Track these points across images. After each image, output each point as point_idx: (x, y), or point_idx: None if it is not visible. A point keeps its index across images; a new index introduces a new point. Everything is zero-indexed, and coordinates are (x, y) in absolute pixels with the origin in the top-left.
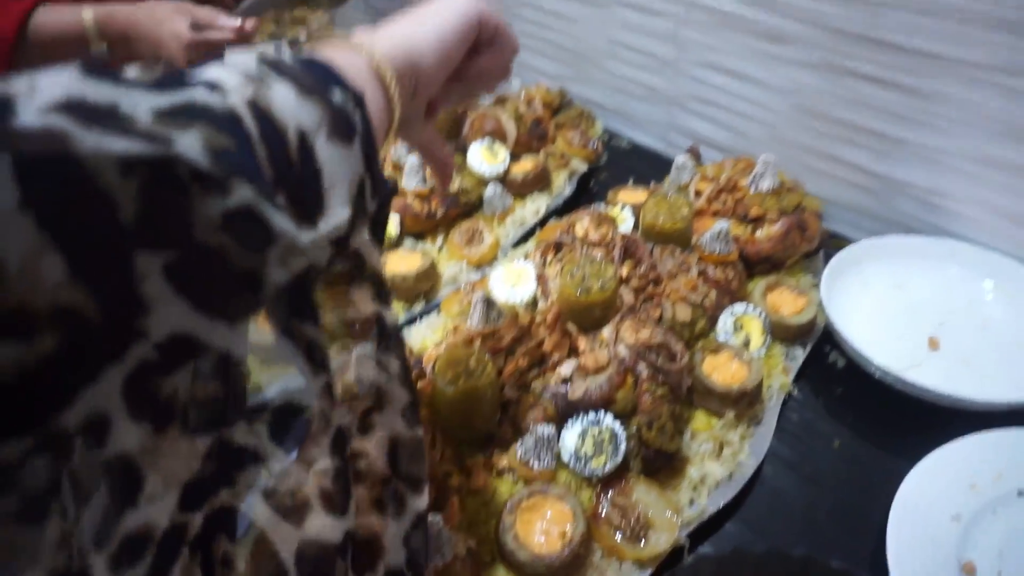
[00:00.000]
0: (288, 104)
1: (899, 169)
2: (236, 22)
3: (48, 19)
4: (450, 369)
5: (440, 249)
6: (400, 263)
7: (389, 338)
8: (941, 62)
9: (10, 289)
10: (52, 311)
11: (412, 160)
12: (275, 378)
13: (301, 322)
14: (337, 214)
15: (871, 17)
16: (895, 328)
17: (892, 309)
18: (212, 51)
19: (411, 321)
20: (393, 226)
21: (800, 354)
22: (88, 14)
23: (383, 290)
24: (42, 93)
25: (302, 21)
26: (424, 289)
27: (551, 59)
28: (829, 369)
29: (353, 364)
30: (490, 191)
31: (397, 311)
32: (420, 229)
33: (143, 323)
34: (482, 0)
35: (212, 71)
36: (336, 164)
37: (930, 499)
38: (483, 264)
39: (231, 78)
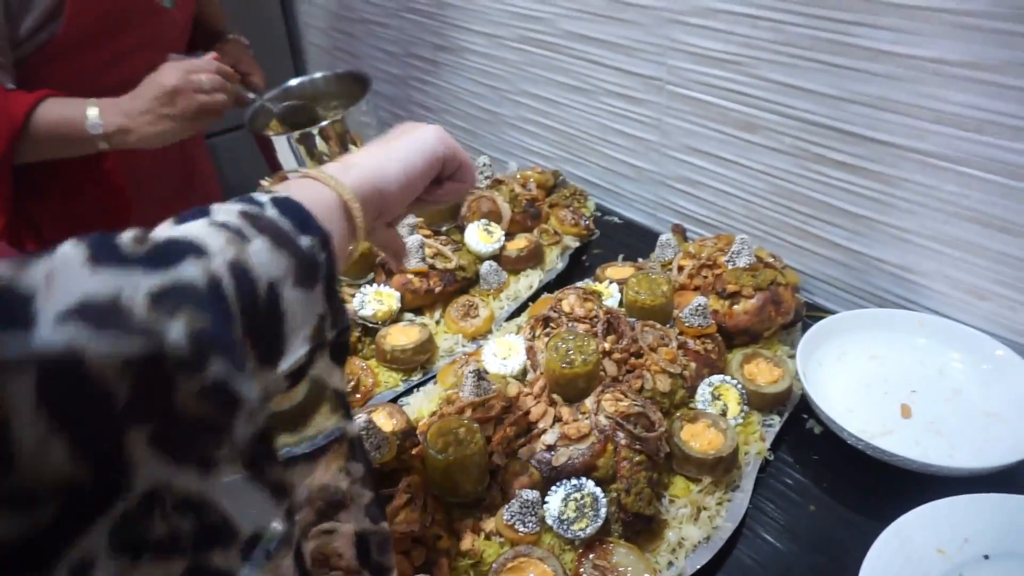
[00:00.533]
0: (262, 258)
1: (871, 246)
2: (212, 55)
3: (52, 110)
4: (441, 438)
5: (438, 322)
6: (400, 336)
7: (353, 446)
8: (899, 151)
9: (22, 472)
10: (54, 486)
11: (413, 240)
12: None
13: (263, 463)
14: (297, 351)
15: (835, 110)
16: (869, 397)
17: (867, 378)
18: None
19: (409, 391)
20: (394, 301)
21: (777, 421)
22: (93, 109)
23: (344, 405)
24: (58, 293)
25: (315, 121)
26: (421, 360)
27: (547, 142)
28: (806, 435)
29: (320, 473)
30: (485, 268)
31: (396, 381)
32: (419, 304)
33: (128, 481)
34: (449, 138)
35: (197, 229)
36: (299, 306)
37: (899, 562)
38: (478, 336)
39: (215, 240)
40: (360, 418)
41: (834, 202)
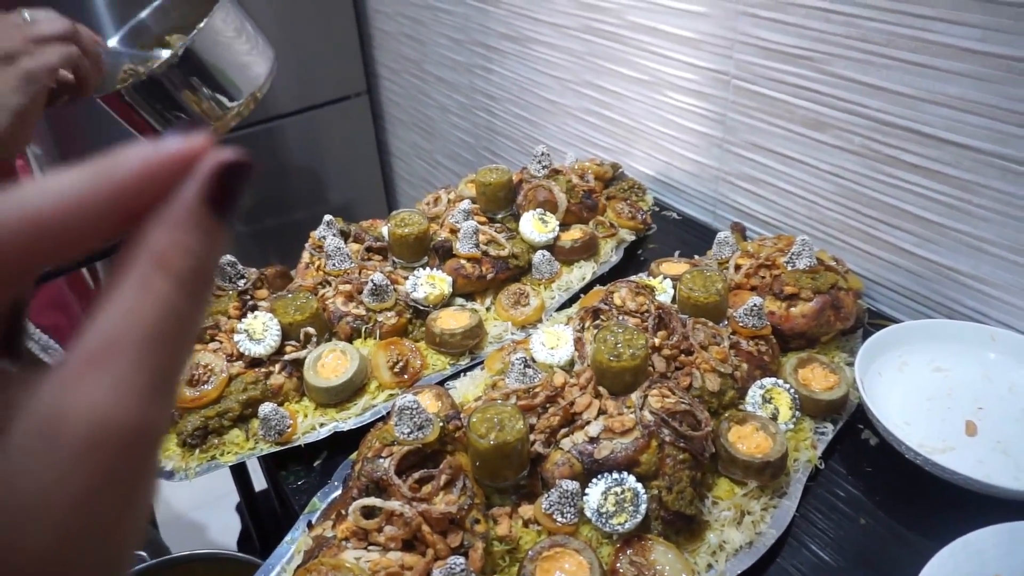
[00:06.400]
0: None
1: (941, 254)
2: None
3: None
4: (484, 423)
5: (488, 309)
6: (450, 320)
7: None
8: (978, 155)
9: None
10: None
11: (467, 226)
12: None
13: None
14: None
15: (910, 111)
16: (931, 411)
17: (929, 391)
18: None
19: (456, 375)
20: (446, 285)
21: (830, 430)
22: None
23: None
24: None
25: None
26: (470, 345)
27: (608, 134)
28: (861, 446)
29: None
30: (539, 257)
31: (444, 364)
32: (470, 289)
33: None
34: None
35: None
36: None
37: None
38: (527, 325)
39: None
40: (406, 397)
41: (905, 206)
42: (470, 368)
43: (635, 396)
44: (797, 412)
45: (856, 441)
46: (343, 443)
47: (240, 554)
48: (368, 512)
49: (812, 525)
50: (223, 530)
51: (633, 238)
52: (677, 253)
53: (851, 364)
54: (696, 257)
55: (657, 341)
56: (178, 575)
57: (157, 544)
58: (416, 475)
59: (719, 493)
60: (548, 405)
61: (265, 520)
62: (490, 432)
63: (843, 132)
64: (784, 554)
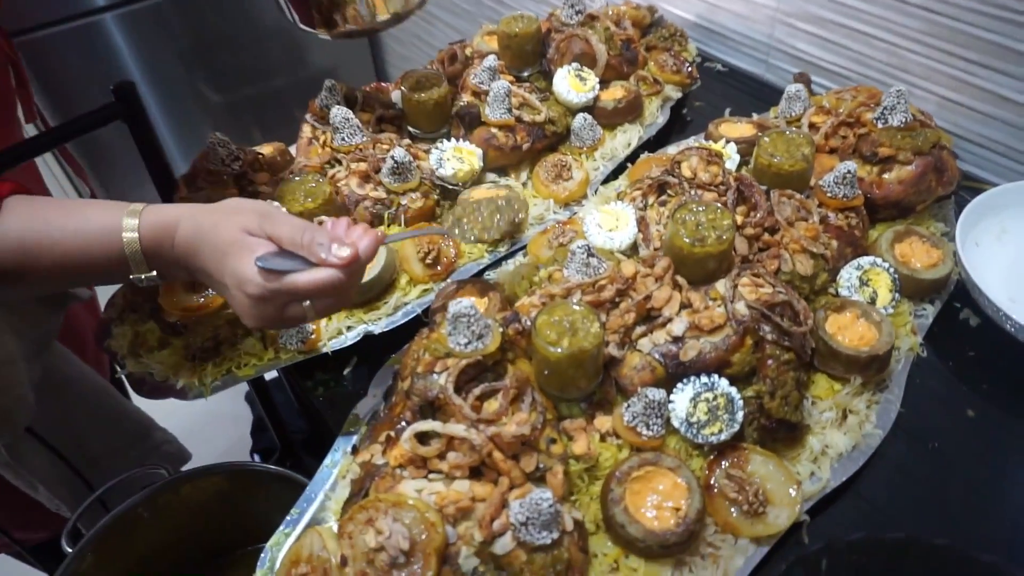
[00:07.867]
0: None
1: None
2: (344, 254)
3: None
4: (552, 328)
5: (525, 184)
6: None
7: None
8: None
9: None
10: None
11: (498, 87)
12: None
13: None
14: None
15: None
16: None
17: None
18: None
19: (496, 263)
20: (476, 159)
21: (929, 311)
22: (130, 233)
23: None
24: None
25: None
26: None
27: None
28: (960, 328)
29: None
30: (579, 121)
31: (480, 252)
32: (503, 163)
33: None
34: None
35: None
36: None
37: None
38: (571, 202)
39: None
40: (461, 303)
41: (1012, 43)
42: (510, 255)
43: (722, 286)
44: (897, 294)
45: (955, 322)
46: (374, 347)
47: (257, 463)
48: (422, 436)
49: (915, 421)
50: (235, 419)
51: (679, 95)
52: (728, 111)
53: (946, 234)
54: (756, 116)
55: (739, 219)
56: (198, 488)
57: (171, 447)
58: (476, 391)
59: (817, 392)
60: (619, 300)
61: (280, 408)
62: (562, 338)
63: None
64: (885, 455)
